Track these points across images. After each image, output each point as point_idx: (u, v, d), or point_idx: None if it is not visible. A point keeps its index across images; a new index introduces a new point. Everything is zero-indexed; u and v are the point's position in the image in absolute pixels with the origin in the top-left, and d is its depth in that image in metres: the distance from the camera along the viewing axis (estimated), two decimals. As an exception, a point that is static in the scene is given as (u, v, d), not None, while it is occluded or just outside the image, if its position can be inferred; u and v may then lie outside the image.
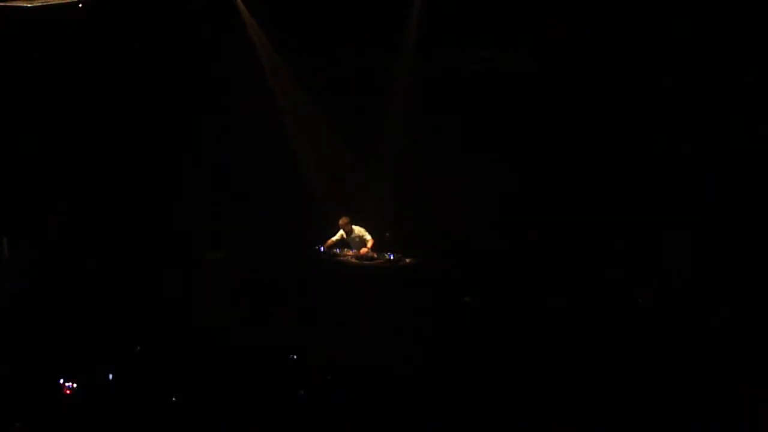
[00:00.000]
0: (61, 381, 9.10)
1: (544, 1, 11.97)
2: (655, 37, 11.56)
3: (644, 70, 11.80)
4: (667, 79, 11.68)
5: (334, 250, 12.72)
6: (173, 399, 8.88)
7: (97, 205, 13.55)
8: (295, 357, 9.82)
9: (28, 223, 13.23)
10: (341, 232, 12.82)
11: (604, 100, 12.05)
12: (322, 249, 12.72)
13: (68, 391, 9.03)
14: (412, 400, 8.68)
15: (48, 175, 13.43)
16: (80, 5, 12.54)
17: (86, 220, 13.49)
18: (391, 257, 12.33)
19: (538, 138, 12.49)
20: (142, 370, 9.56)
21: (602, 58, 11.98)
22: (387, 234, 12.99)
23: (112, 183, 13.62)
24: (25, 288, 12.22)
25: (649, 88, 11.82)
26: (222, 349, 9.94)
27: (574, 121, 12.29)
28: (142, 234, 13.45)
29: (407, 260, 12.33)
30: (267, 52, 13.47)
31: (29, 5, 12.38)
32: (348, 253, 12.63)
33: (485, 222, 12.58)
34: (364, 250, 12.52)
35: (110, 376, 9.38)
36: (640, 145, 11.96)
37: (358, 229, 12.77)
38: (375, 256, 12.42)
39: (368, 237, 12.71)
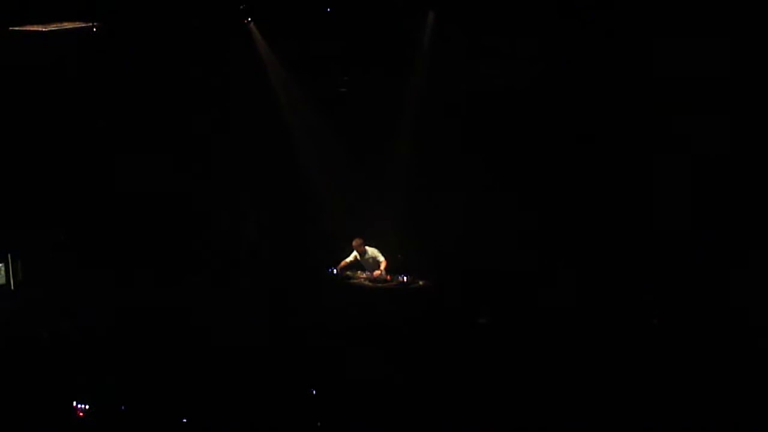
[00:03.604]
0: (75, 403, 9.09)
1: (555, 17, 11.99)
2: (656, 43, 11.53)
3: (649, 86, 11.77)
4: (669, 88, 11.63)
5: (347, 273, 12.69)
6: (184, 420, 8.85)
7: (103, 217, 13.61)
8: (314, 392, 9.65)
9: (38, 241, 13.27)
10: (354, 253, 12.78)
11: (620, 118, 12.01)
12: (335, 271, 12.69)
13: (81, 414, 9.01)
14: (425, 421, 8.63)
15: (56, 187, 13.50)
16: (94, 29, 12.66)
17: (92, 234, 13.56)
18: (405, 279, 12.29)
19: (552, 157, 12.45)
20: (154, 391, 9.53)
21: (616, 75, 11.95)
22: (399, 256, 12.95)
23: (119, 194, 13.65)
24: (39, 306, 12.27)
25: (652, 103, 11.79)
26: (233, 373, 9.91)
27: (587, 141, 12.24)
28: (149, 249, 13.47)
29: (420, 282, 12.27)
30: (276, 70, 13.54)
31: (44, 29, 12.50)
32: (361, 276, 12.59)
33: (498, 242, 12.52)
34: (377, 273, 12.48)
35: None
36: (648, 161, 11.91)
37: (371, 251, 12.73)
38: (389, 278, 12.37)
39: (381, 258, 12.66)
